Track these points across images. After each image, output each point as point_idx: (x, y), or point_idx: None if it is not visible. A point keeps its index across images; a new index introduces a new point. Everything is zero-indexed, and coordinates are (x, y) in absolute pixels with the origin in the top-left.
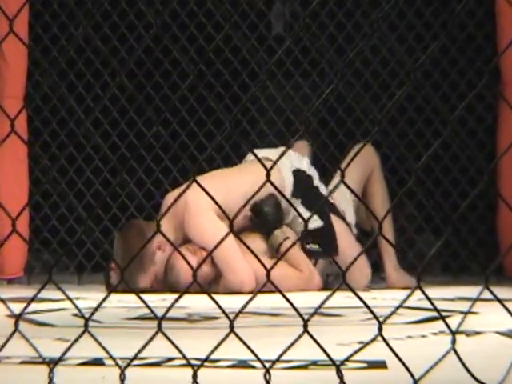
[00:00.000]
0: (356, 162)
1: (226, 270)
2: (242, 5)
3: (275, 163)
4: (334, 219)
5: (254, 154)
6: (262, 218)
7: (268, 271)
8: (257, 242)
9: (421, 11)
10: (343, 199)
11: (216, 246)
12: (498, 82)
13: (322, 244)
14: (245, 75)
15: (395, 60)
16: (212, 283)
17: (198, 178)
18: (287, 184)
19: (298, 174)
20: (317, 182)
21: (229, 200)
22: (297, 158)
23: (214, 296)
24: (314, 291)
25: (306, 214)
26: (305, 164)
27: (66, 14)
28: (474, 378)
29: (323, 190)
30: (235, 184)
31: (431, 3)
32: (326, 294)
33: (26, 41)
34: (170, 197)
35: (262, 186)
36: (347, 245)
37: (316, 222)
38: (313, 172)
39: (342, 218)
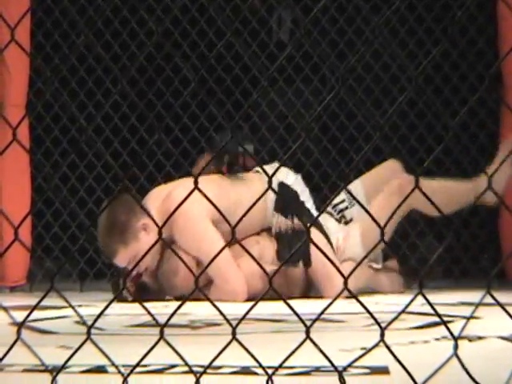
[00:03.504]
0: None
1: (219, 279)
2: (243, 12)
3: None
4: (314, 233)
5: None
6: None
7: (270, 278)
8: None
9: (422, 16)
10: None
11: (212, 259)
12: (499, 86)
13: (289, 248)
14: (246, 81)
15: (397, 65)
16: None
17: (184, 180)
18: (270, 197)
19: (282, 188)
20: (304, 197)
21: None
22: (285, 173)
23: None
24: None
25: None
26: (292, 179)
27: (67, 22)
28: (477, 383)
29: (311, 205)
30: (226, 190)
31: (432, 8)
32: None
33: (28, 49)
34: (156, 191)
35: (261, 196)
36: (322, 259)
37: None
38: (301, 188)
39: (325, 235)
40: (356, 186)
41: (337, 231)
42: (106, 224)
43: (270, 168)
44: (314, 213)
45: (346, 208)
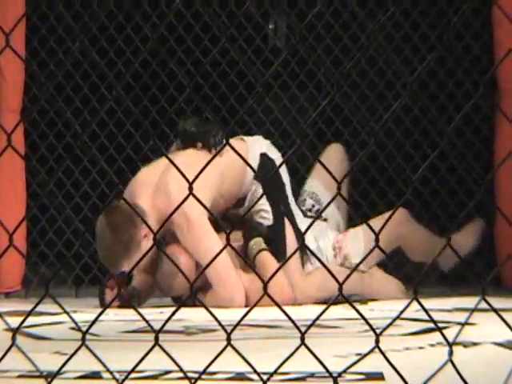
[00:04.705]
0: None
1: (218, 284)
2: (238, 18)
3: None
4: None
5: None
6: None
7: (265, 284)
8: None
9: (417, 22)
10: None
11: (210, 263)
12: (494, 92)
13: (268, 243)
14: (241, 87)
15: (392, 71)
16: (198, 292)
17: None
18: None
19: (264, 158)
20: (285, 179)
21: (213, 179)
22: (267, 145)
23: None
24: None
25: (264, 203)
26: (276, 156)
27: (62, 28)
28: None
29: (289, 189)
30: (213, 162)
31: (428, 14)
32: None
33: (23, 54)
34: (143, 180)
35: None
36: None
37: (267, 221)
38: (282, 168)
39: (296, 230)
40: (312, 183)
41: (326, 228)
42: (110, 243)
43: (254, 139)
44: (291, 201)
45: (318, 210)
